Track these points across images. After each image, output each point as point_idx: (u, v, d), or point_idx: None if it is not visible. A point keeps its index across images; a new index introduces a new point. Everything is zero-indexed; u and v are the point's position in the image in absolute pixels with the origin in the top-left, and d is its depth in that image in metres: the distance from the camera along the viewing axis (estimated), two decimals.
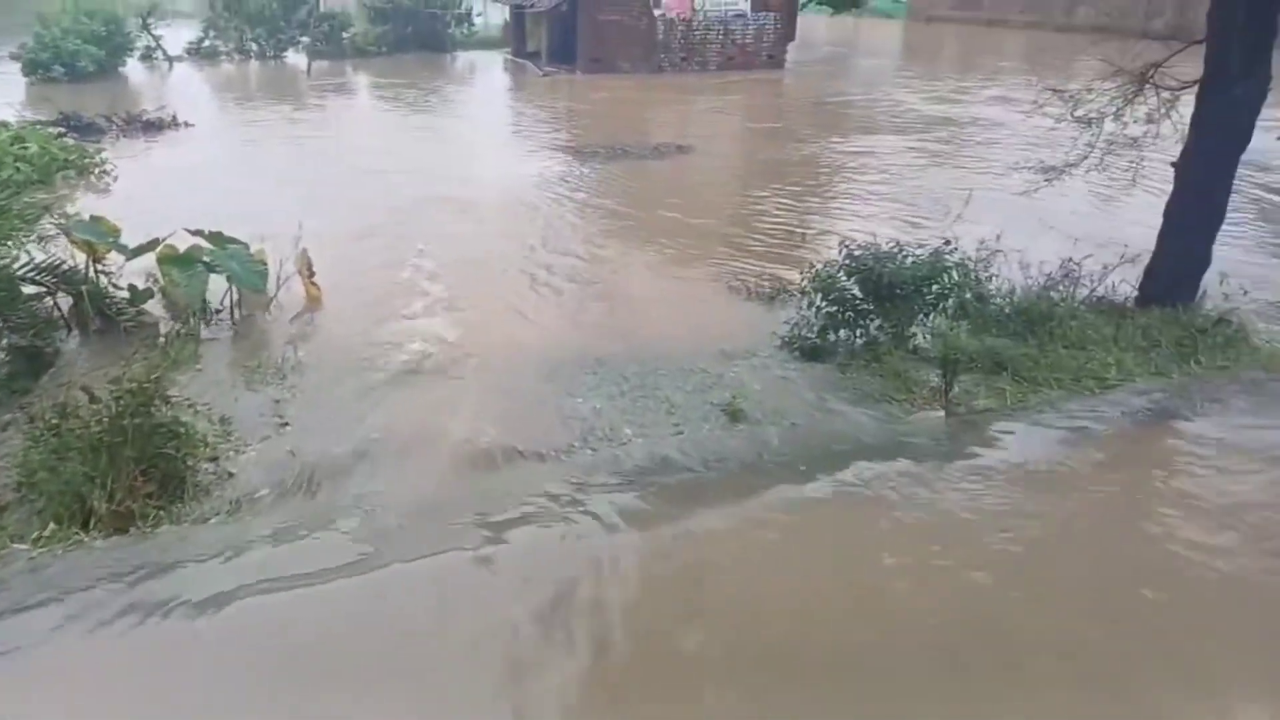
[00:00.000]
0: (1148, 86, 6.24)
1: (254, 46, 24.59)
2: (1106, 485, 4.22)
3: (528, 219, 9.46)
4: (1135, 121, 6.28)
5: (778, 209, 10.02)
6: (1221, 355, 5.38)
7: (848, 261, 5.75)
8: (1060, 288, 6.76)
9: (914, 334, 5.96)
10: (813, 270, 5.89)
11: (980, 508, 3.92)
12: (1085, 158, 6.44)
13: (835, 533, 3.82)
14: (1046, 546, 3.73)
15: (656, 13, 21.88)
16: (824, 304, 5.78)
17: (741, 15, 22.73)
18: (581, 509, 3.83)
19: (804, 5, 26.89)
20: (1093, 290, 6.70)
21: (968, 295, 6.18)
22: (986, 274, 6.70)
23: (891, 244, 5.83)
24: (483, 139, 14.50)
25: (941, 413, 4.66)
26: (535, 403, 5.03)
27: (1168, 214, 6.42)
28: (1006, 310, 6.33)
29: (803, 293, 6.15)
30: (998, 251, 7.12)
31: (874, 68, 26.60)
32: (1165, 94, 6.15)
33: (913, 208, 9.93)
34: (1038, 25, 39.02)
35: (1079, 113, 6.45)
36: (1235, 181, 6.18)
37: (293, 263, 6.92)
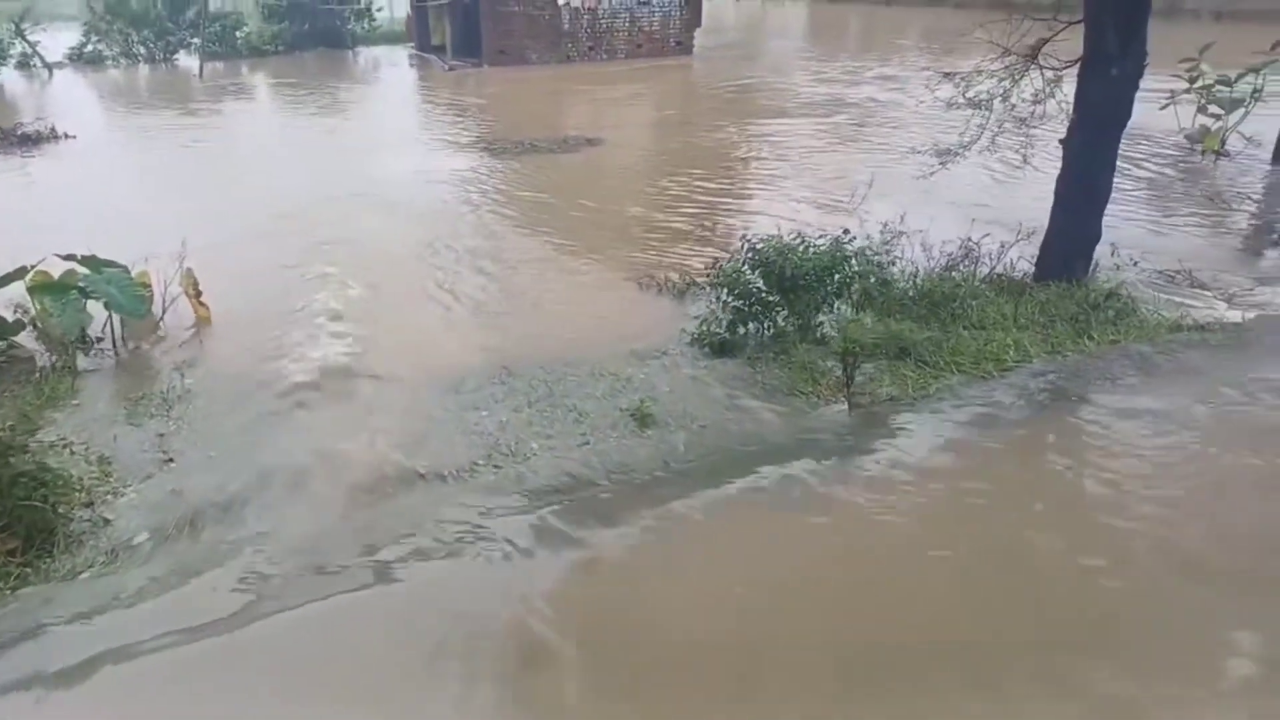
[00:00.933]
0: (1033, 67, 6.35)
1: (141, 50, 23.45)
2: (1003, 474, 4.26)
3: (432, 220, 9.20)
4: (1023, 101, 6.39)
5: (688, 199, 9.97)
6: (1113, 329, 5.52)
7: (750, 255, 5.71)
8: (961, 267, 6.89)
9: (821, 323, 5.98)
10: (717, 265, 5.84)
11: (883, 503, 3.91)
12: (977, 139, 6.54)
13: (740, 541, 3.76)
14: (944, 539, 3.75)
15: (561, 2, 21.60)
16: (730, 299, 5.74)
17: (647, 3, 22.61)
18: (481, 536, 3.69)
19: None
20: (993, 269, 6.83)
21: (871, 281, 6.23)
22: (890, 258, 6.78)
23: (794, 235, 5.82)
24: (384, 137, 14.08)
25: (845, 405, 4.66)
26: (438, 420, 4.86)
27: (1057, 191, 6.56)
28: (911, 294, 6.40)
29: (711, 286, 6.10)
30: (902, 233, 7.20)
31: (780, 50, 26.83)
32: (1049, 74, 6.26)
33: (819, 192, 9.98)
34: (937, 3, 39.91)
35: (969, 94, 6.53)
36: (1126, 152, 6.35)
37: (178, 282, 6.58)
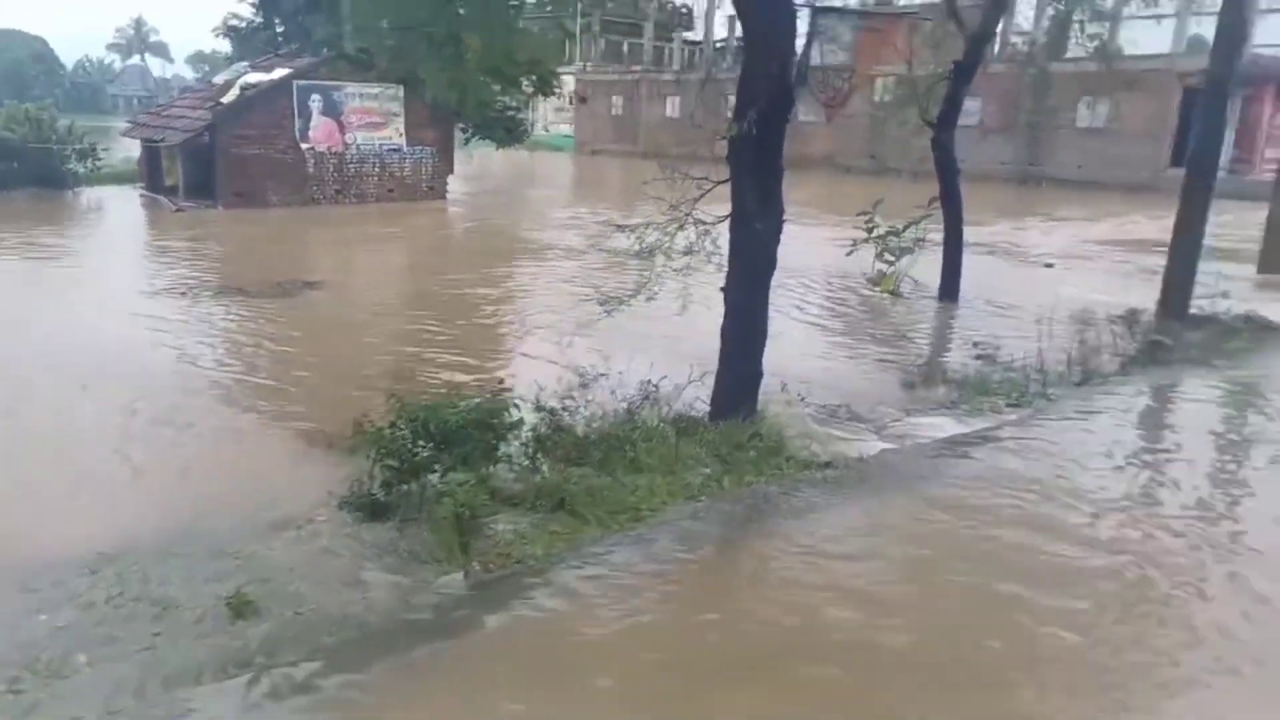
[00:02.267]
0: (689, 220, 6.72)
1: None
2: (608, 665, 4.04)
3: (86, 372, 8.20)
4: (678, 252, 6.74)
5: (395, 346, 9.64)
6: (754, 469, 5.66)
7: (401, 413, 5.41)
8: (643, 409, 6.97)
9: (490, 475, 5.73)
10: (367, 421, 5.49)
11: (471, 706, 3.58)
12: (643, 287, 6.77)
13: None
14: None
15: (305, 146, 21.26)
16: (381, 457, 5.36)
17: (397, 149, 22.78)
18: None
19: (468, 140, 27.54)
20: (671, 409, 6.96)
21: (544, 430, 6.13)
22: (577, 402, 6.76)
23: (449, 389, 5.62)
24: (66, 285, 12.76)
25: (460, 575, 4.35)
26: None
27: (722, 335, 6.86)
28: (591, 438, 6.35)
29: (367, 444, 5.71)
30: (601, 375, 7.25)
31: (537, 198, 27.84)
32: (703, 227, 6.65)
33: (538, 337, 10.02)
34: (692, 157, 43.52)
35: (638, 247, 6.80)
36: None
37: None
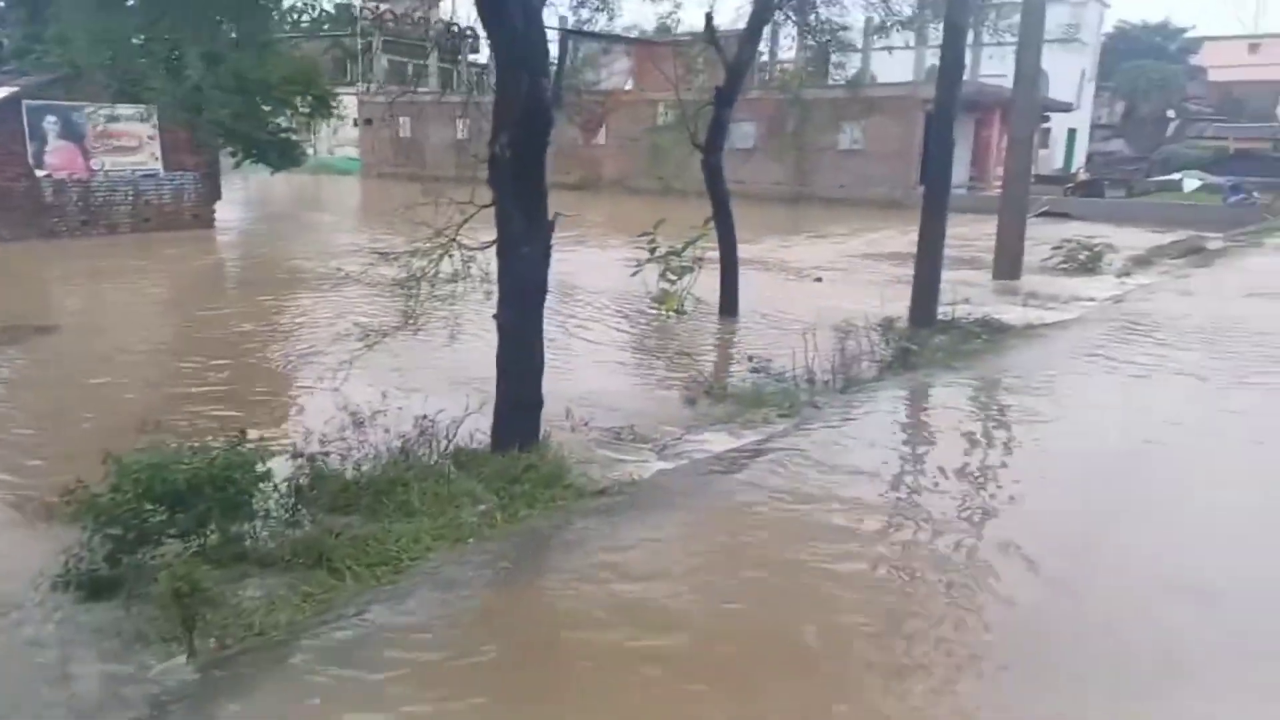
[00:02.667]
0: (455, 246, 6.52)
1: None
2: None
3: None
4: (448, 280, 6.53)
5: (134, 395, 8.68)
6: (527, 503, 5.53)
7: (122, 473, 4.81)
8: (418, 446, 6.65)
9: (244, 533, 5.22)
10: (80, 485, 4.84)
11: None
12: (409, 318, 6.48)
13: None
14: None
15: (40, 173, 18.95)
16: (101, 527, 4.73)
17: (153, 175, 20.84)
18: None
19: (237, 164, 25.66)
20: (450, 443, 6.69)
21: (303, 479, 5.69)
22: (342, 445, 6.36)
23: (179, 444, 5.06)
24: None
25: (183, 659, 3.90)
26: None
27: (497, 363, 6.69)
28: (361, 483, 5.97)
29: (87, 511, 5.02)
30: (378, 413, 6.84)
31: (315, 224, 26.43)
32: (468, 253, 6.47)
33: (298, 377, 9.38)
34: (471, 180, 43.06)
35: (402, 275, 6.50)
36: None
37: None
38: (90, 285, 15.14)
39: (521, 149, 6.14)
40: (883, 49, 40.85)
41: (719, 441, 7.39)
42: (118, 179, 20.09)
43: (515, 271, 6.40)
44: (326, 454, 5.82)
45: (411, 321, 6.30)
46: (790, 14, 11.93)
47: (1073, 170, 38.88)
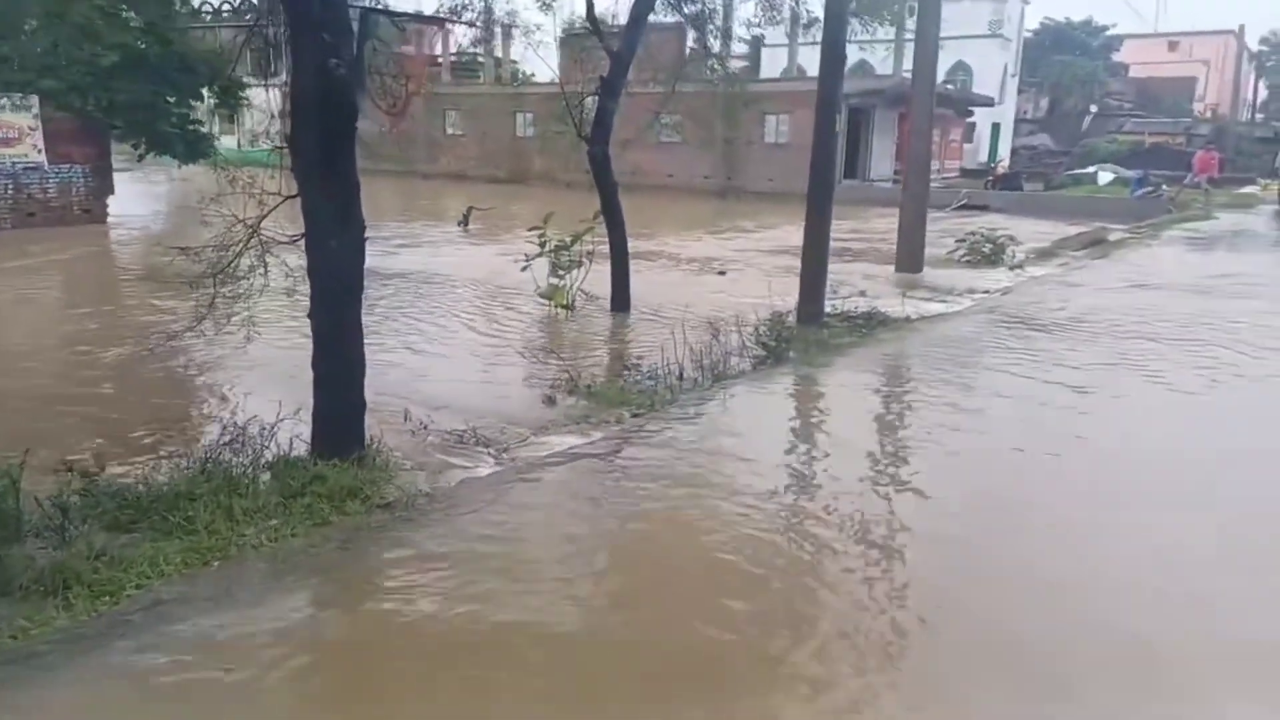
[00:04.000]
0: (255, 240, 6.12)
1: None
2: None
3: None
4: (241, 277, 6.12)
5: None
6: (305, 520, 5.16)
7: None
8: (223, 454, 6.23)
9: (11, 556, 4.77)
10: None
11: None
12: (203, 318, 6.06)
13: None
14: None
15: None
16: None
17: (35, 167, 19.84)
18: None
19: (141, 155, 24.57)
20: (260, 452, 6.28)
21: (70, 498, 5.26)
22: (145, 456, 5.92)
23: None
24: None
25: None
26: None
27: (314, 366, 6.30)
28: (147, 498, 5.53)
29: None
30: (190, 420, 6.41)
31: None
32: (270, 244, 6.07)
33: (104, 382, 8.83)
34: (411, 174, 42.37)
35: (202, 271, 6.08)
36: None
37: None
38: None
39: (325, 134, 5.76)
40: (808, 44, 41.17)
41: (563, 442, 7.11)
42: None
43: (325, 268, 6.02)
44: (99, 469, 5.35)
45: (203, 321, 5.85)
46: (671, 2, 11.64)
47: (993, 164, 39.51)
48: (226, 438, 6.21)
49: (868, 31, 13.39)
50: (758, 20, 12.45)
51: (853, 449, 7.07)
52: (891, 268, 16.89)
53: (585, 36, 14.45)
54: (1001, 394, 8.74)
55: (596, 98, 12.02)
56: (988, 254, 17.29)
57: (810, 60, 41.55)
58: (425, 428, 7.25)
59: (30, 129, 19.38)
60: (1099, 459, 7.04)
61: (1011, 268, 16.25)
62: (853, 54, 44.45)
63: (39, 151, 19.66)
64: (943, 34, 52.20)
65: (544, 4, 12.21)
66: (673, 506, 5.87)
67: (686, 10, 11.61)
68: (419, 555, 4.97)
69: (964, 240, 17.76)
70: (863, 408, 8.54)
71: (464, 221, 23.29)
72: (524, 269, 12.71)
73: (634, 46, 11.75)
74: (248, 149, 45.26)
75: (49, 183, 19.94)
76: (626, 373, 9.28)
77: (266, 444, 6.28)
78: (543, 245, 12.88)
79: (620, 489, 6.15)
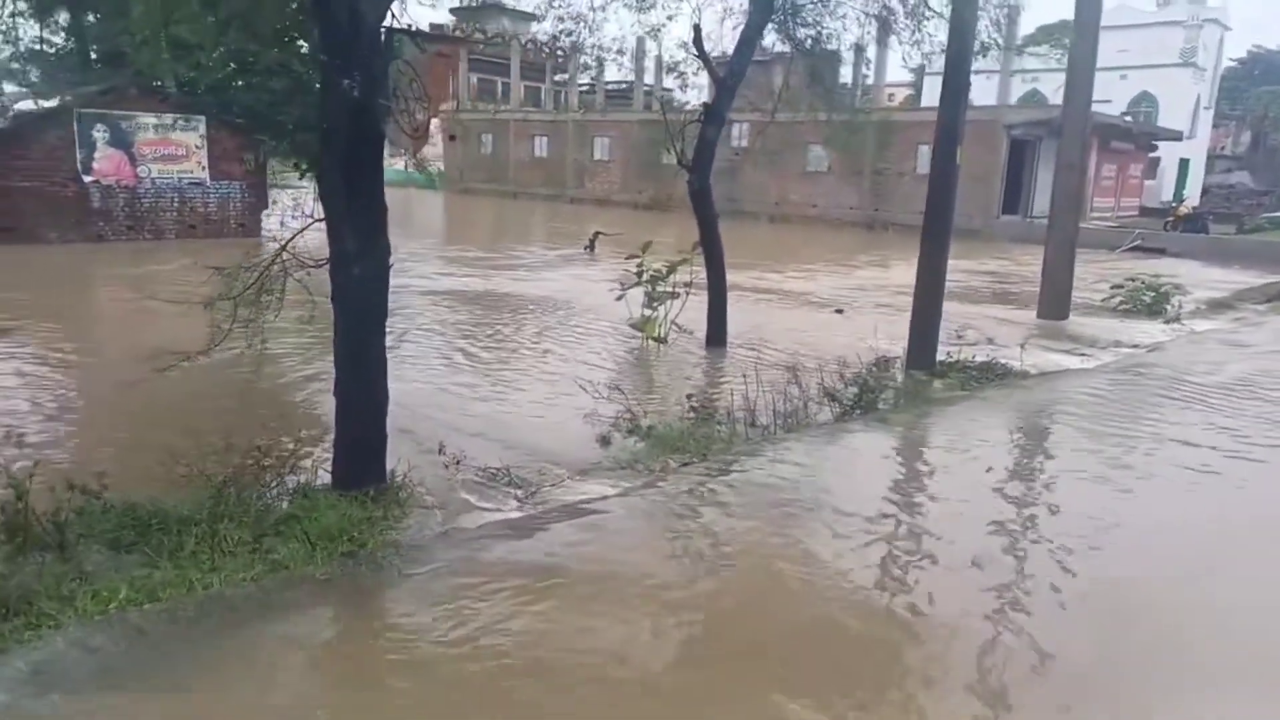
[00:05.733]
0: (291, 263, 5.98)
1: None
2: None
3: None
4: (249, 302, 5.98)
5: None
6: (262, 560, 4.84)
7: None
8: (250, 479, 6.10)
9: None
10: None
11: None
12: (216, 339, 5.96)
13: None
14: None
15: (88, 179, 19.70)
16: None
17: (199, 183, 21.41)
18: None
19: (303, 174, 26.23)
20: (279, 480, 6.11)
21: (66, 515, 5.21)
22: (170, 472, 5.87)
23: None
24: None
25: None
26: None
27: (336, 396, 6.09)
28: (150, 518, 5.44)
29: None
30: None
31: None
32: (294, 270, 5.92)
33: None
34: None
35: (228, 293, 6.00)
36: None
37: None
38: (102, 289, 15.45)
39: (348, 157, 5.55)
40: (978, 72, 39.09)
41: (594, 489, 6.59)
42: (164, 186, 20.71)
43: (348, 295, 5.79)
44: (102, 487, 5.27)
45: (220, 341, 5.74)
46: (785, 27, 10.99)
47: (1175, 203, 35.90)
48: (250, 461, 6.08)
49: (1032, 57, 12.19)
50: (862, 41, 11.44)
51: (886, 530, 6.07)
52: (1034, 313, 15.38)
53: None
54: (1090, 478, 7.18)
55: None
56: (1148, 303, 15.42)
57: (980, 91, 39.47)
58: (459, 462, 6.91)
59: (196, 147, 20.97)
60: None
61: (1168, 321, 14.37)
62: (1024, 83, 41.97)
63: (203, 168, 21.22)
64: (1125, 63, 48.70)
65: (652, 30, 11.80)
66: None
67: (799, 35, 10.85)
68: (306, 644, 4.41)
69: (1121, 286, 15.95)
70: (927, 485, 7.36)
71: (590, 246, 23.33)
72: (619, 298, 12.33)
73: (741, 73, 11.18)
74: (413, 172, 47.25)
75: (210, 197, 21.48)
76: (694, 414, 8.64)
77: (287, 471, 6.12)
78: (640, 275, 12.47)
79: (612, 555, 5.47)
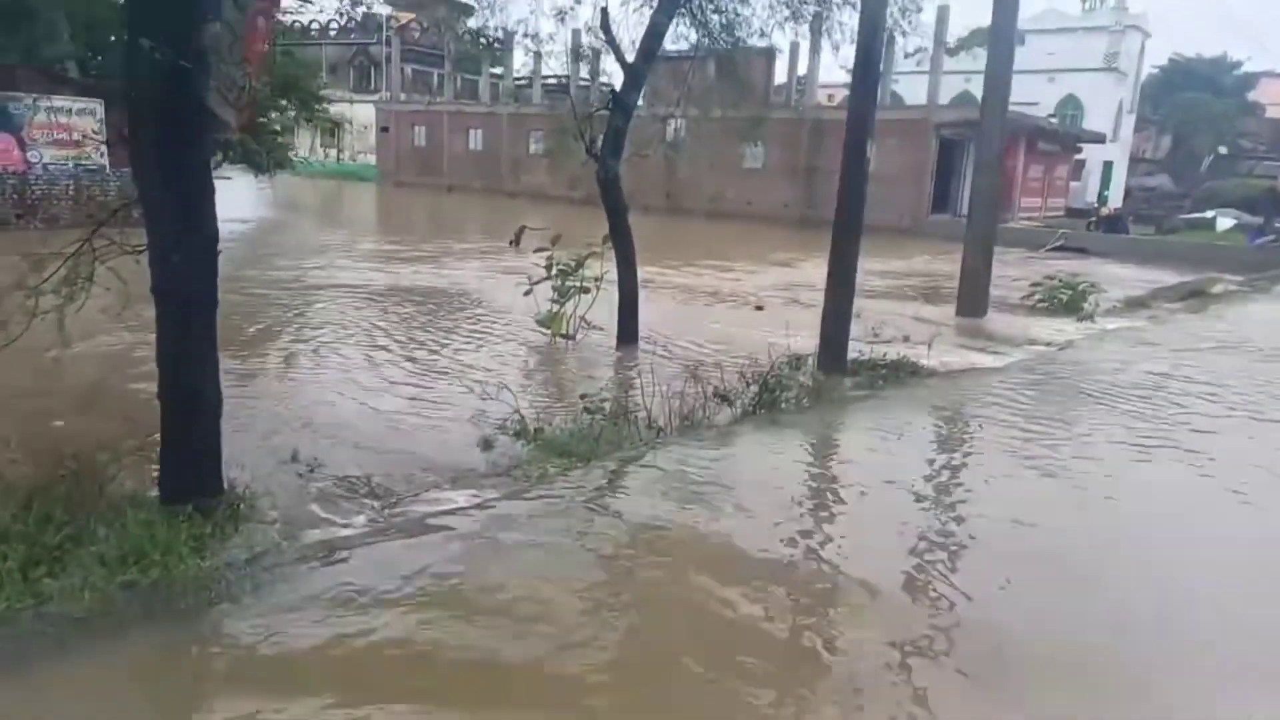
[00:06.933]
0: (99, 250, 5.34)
1: None
2: None
3: None
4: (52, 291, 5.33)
5: None
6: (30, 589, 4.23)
7: None
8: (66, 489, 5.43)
9: None
10: None
11: None
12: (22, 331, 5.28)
13: None
14: None
15: None
16: None
17: (98, 170, 20.24)
18: None
19: (218, 164, 25.02)
20: (104, 488, 5.45)
21: None
22: None
23: None
24: None
25: None
26: None
27: (159, 397, 5.45)
28: None
29: None
30: None
31: (302, 228, 25.72)
32: (106, 258, 5.28)
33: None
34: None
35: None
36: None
37: None
38: None
39: (163, 128, 4.93)
40: (910, 72, 39.30)
41: (453, 500, 6.07)
42: (58, 173, 19.52)
43: (167, 285, 5.16)
44: None
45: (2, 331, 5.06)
46: (696, 15, 10.58)
47: (1098, 204, 36.68)
48: (66, 470, 5.42)
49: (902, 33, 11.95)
50: (768, 29, 11.10)
51: (752, 537, 5.64)
52: (954, 310, 15.28)
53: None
54: (968, 488, 6.86)
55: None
56: (1065, 301, 15.43)
57: (911, 90, 39.74)
58: (312, 470, 6.34)
59: (94, 132, 19.79)
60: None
61: (1080, 319, 14.37)
62: (957, 84, 42.37)
63: (102, 155, 20.05)
64: (1053, 66, 49.64)
65: (559, 13, 11.30)
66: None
67: (710, 21, 10.45)
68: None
69: (1039, 284, 15.96)
70: (808, 486, 6.94)
71: (515, 240, 22.70)
72: (527, 293, 11.81)
73: (650, 59, 10.73)
74: (347, 163, 46.65)
75: (110, 185, 20.29)
76: (588, 415, 8.16)
77: (109, 482, 5.47)
78: (548, 269, 11.96)
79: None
